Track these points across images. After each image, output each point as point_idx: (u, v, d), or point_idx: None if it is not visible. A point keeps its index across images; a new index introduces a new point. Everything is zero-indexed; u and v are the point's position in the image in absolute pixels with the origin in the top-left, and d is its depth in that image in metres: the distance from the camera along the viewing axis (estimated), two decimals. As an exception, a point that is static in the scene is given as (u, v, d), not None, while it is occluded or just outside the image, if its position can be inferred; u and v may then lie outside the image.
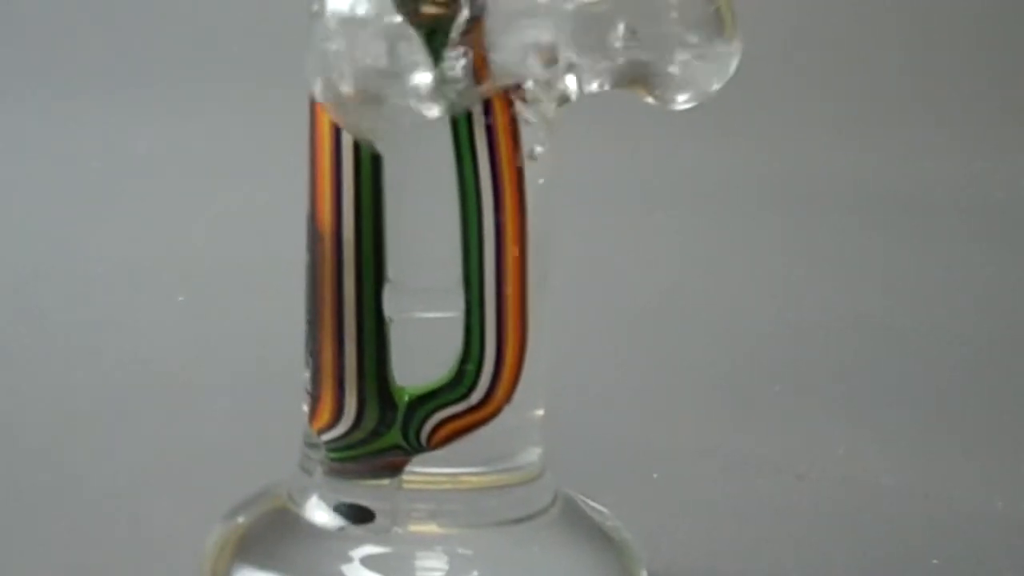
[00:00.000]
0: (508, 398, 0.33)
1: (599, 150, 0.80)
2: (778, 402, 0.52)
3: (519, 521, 0.34)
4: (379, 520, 0.34)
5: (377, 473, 0.34)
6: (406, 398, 0.33)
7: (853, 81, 0.95)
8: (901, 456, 0.47)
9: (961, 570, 0.40)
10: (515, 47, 0.32)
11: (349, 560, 0.34)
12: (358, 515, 0.34)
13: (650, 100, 0.33)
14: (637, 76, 0.33)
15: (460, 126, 0.32)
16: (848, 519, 0.43)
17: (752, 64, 0.35)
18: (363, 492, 0.34)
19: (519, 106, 0.33)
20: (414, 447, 0.33)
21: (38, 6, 0.97)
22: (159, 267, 0.66)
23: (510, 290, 0.33)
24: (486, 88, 0.32)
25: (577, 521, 0.36)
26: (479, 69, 0.32)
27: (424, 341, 0.33)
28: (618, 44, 0.33)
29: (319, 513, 0.34)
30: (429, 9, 0.32)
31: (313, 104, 0.33)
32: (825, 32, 0.97)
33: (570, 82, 0.33)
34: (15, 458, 0.45)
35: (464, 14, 0.32)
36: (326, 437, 0.34)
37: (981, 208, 0.82)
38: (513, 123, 0.33)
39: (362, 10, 0.32)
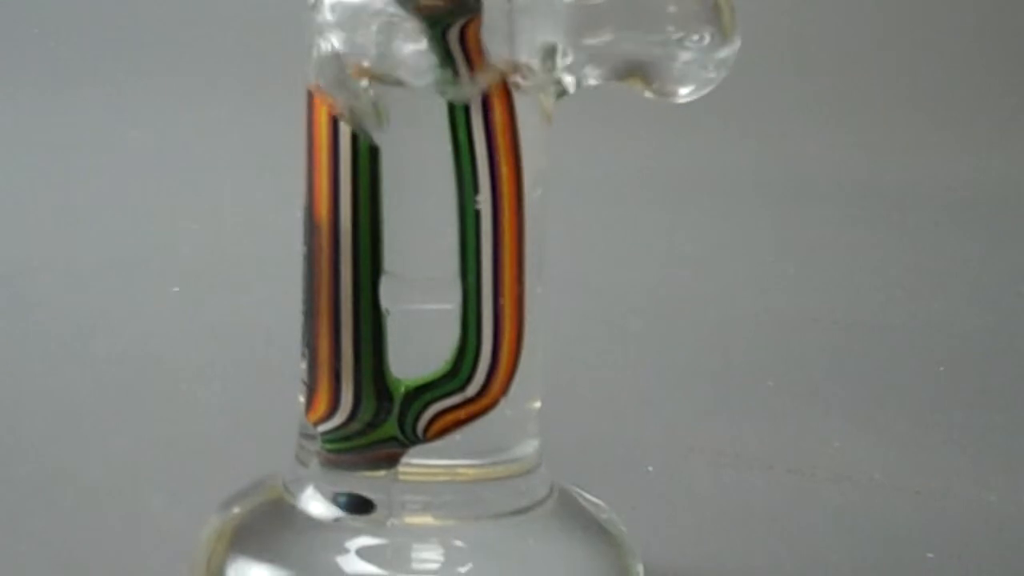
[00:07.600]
0: (504, 390, 0.33)
1: (595, 145, 0.81)
2: (772, 397, 0.52)
3: (515, 513, 0.34)
4: (378, 511, 0.34)
5: (373, 464, 0.34)
6: (402, 390, 0.33)
7: (845, 76, 0.95)
8: (894, 451, 0.47)
9: (955, 564, 0.40)
10: (514, 41, 0.32)
11: (345, 551, 0.33)
12: (358, 505, 0.34)
13: (648, 94, 0.33)
14: (635, 70, 0.33)
15: (458, 118, 0.32)
16: (842, 513, 0.43)
17: (746, 58, 0.35)
18: (359, 483, 0.34)
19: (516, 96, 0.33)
20: (410, 439, 0.33)
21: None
22: (154, 257, 0.66)
23: (507, 282, 0.33)
24: (482, 81, 0.32)
25: (573, 513, 0.36)
26: (476, 62, 0.32)
27: (421, 333, 0.33)
28: (616, 38, 0.33)
29: (315, 504, 0.34)
30: (428, 1, 0.32)
31: (311, 96, 0.33)
32: (818, 27, 0.97)
33: (568, 75, 0.33)
34: (9, 450, 0.45)
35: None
36: (322, 428, 0.34)
37: (973, 204, 0.82)
38: (511, 115, 0.33)
39: (360, 2, 0.32)
